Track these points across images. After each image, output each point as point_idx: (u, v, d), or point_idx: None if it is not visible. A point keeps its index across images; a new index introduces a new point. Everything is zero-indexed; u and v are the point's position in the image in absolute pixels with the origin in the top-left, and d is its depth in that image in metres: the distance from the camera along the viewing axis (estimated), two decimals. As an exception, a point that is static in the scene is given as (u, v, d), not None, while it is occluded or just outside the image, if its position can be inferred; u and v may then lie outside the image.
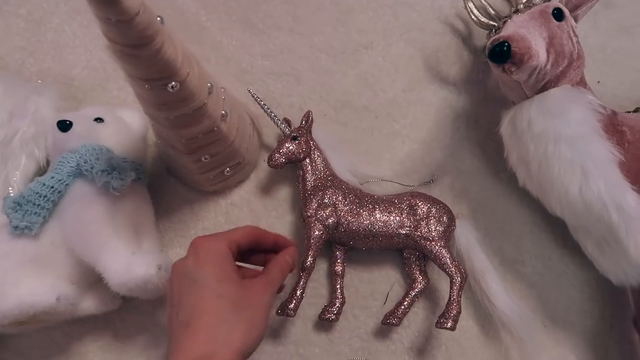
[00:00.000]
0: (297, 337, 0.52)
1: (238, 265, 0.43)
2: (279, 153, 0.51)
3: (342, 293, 0.51)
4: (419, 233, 0.49)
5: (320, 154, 0.53)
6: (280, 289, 0.47)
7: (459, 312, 0.47)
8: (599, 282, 0.53)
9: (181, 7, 0.60)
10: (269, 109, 0.53)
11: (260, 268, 0.45)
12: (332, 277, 0.52)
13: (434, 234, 0.49)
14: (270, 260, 0.44)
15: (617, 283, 0.45)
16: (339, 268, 0.52)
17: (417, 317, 0.53)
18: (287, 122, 0.56)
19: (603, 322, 0.53)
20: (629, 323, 0.51)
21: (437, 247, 0.49)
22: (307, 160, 0.52)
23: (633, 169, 0.43)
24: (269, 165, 0.51)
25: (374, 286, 0.53)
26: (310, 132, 0.54)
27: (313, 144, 0.53)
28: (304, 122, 0.54)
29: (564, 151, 0.43)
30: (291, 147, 0.51)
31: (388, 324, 0.50)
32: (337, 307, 0.51)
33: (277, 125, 0.53)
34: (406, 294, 0.51)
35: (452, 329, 0.47)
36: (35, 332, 0.51)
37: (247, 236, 0.43)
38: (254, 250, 0.45)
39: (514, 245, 0.55)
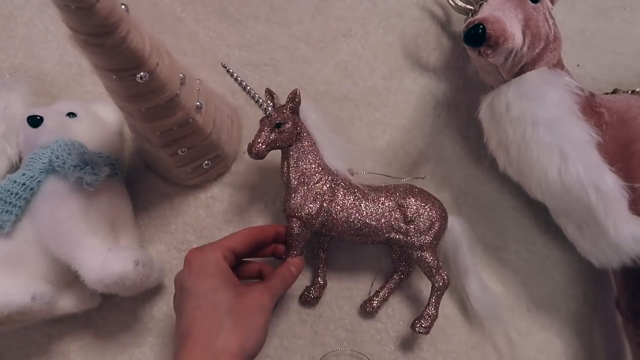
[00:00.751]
0: (281, 330, 0.51)
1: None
2: (260, 143, 0.45)
3: (324, 277, 0.51)
4: (407, 239, 0.47)
5: (309, 138, 0.47)
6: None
7: (435, 317, 0.47)
8: (581, 265, 0.53)
9: (155, -1, 0.59)
10: (247, 86, 0.47)
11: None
12: (316, 261, 0.51)
13: (422, 242, 0.46)
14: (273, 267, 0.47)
15: (598, 265, 0.45)
16: (323, 254, 0.51)
17: (402, 306, 0.52)
18: (271, 95, 0.48)
19: (587, 305, 0.53)
20: (612, 305, 0.51)
21: (423, 255, 0.47)
22: (293, 148, 0.47)
23: (611, 150, 0.43)
24: (250, 156, 0.45)
25: (358, 276, 0.53)
26: (297, 114, 0.47)
27: (301, 127, 0.47)
28: (289, 103, 0.47)
29: (542, 134, 0.42)
30: (273, 136, 0.45)
31: (366, 310, 0.50)
32: (318, 287, 0.50)
33: (258, 103, 0.47)
34: (387, 282, 0.51)
35: (425, 333, 0.47)
36: (13, 333, 0.50)
37: (244, 240, 0.44)
38: (259, 248, 0.47)
39: (497, 232, 0.55)
